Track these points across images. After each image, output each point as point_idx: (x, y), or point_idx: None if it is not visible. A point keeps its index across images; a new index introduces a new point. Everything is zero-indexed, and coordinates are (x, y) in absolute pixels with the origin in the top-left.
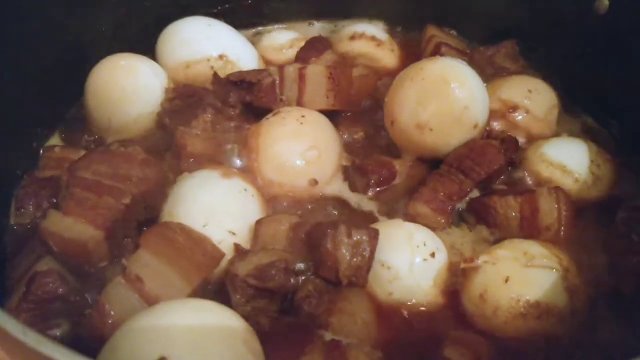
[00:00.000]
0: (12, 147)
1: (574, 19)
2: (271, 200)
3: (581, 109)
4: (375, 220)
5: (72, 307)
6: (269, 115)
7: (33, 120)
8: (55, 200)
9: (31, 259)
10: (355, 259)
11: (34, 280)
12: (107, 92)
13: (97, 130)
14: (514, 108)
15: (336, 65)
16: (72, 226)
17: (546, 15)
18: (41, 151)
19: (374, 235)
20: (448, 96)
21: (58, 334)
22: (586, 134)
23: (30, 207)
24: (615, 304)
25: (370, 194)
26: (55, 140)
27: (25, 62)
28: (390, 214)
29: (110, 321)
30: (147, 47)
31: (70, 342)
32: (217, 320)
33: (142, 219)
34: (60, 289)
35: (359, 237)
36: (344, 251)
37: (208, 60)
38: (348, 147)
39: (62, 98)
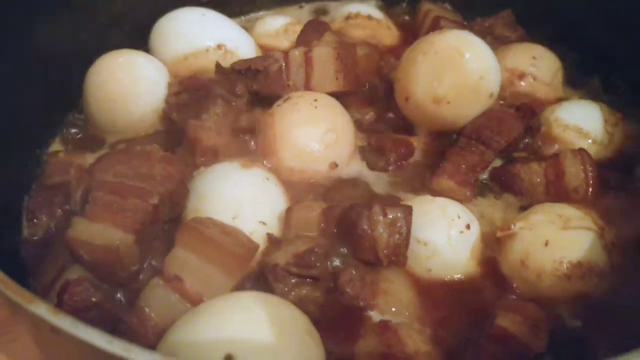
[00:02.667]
0: (14, 157)
1: None
2: (292, 187)
3: (585, 72)
4: (401, 198)
5: (108, 315)
6: (280, 102)
7: (33, 127)
8: (68, 207)
9: (56, 269)
10: (392, 238)
11: (66, 290)
12: (109, 92)
13: (100, 131)
14: (521, 75)
15: (342, 46)
16: (101, 232)
17: None
18: (44, 158)
19: (409, 212)
20: (463, 67)
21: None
22: (594, 95)
23: (44, 216)
24: None
25: (390, 171)
26: (57, 145)
27: (20, 69)
28: (415, 191)
29: (152, 324)
30: (140, 42)
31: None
32: (276, 312)
33: (166, 218)
34: (94, 297)
35: (394, 215)
36: (381, 231)
37: (207, 51)
38: (360, 128)
39: (61, 101)
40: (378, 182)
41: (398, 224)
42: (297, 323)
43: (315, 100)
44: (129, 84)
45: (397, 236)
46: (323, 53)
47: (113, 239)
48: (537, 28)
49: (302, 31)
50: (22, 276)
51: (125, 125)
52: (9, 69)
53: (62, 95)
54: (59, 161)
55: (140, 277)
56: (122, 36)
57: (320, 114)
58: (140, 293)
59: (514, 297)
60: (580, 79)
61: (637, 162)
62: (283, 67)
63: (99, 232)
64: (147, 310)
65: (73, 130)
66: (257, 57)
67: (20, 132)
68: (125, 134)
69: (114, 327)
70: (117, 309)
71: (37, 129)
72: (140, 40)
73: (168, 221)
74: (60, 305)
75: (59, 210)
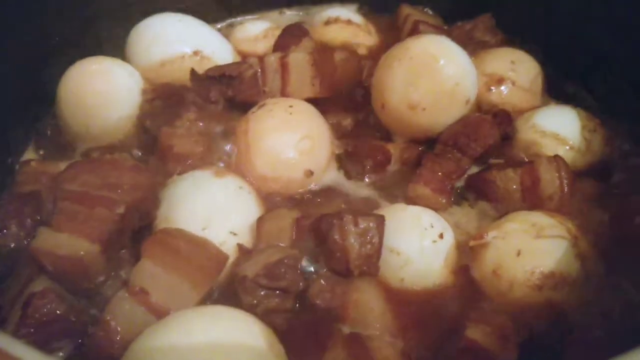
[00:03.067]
0: None
1: None
2: (266, 196)
3: (564, 77)
4: (376, 206)
5: (74, 327)
6: (255, 109)
7: (5, 134)
8: (39, 217)
9: (22, 281)
10: (364, 248)
11: (30, 303)
12: (82, 99)
13: (73, 139)
14: (500, 80)
15: (318, 51)
16: (66, 242)
17: None
18: (17, 167)
19: (381, 222)
20: (438, 73)
21: (62, 355)
22: (573, 101)
23: (13, 226)
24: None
25: (366, 180)
26: (30, 154)
27: None
28: (391, 199)
29: (117, 338)
30: (115, 49)
31: None
32: (237, 326)
33: (136, 227)
34: (59, 309)
35: (365, 224)
36: (352, 241)
37: (183, 57)
38: (337, 134)
39: (33, 108)
40: (354, 189)
41: (370, 234)
42: (259, 338)
43: (291, 106)
44: (103, 91)
45: (368, 246)
46: (299, 59)
47: (78, 249)
48: (517, 33)
49: (279, 36)
50: None
51: (99, 132)
52: None
53: (35, 102)
54: (31, 170)
55: (108, 287)
56: (98, 42)
57: (296, 121)
58: (107, 305)
59: (487, 307)
60: (559, 85)
61: (614, 169)
62: (259, 73)
63: (63, 242)
64: (112, 323)
65: (46, 138)
66: (232, 63)
67: None
68: (99, 141)
69: (80, 339)
70: (84, 321)
71: (9, 136)
72: (116, 46)
73: (138, 230)
74: (24, 318)
75: (29, 220)
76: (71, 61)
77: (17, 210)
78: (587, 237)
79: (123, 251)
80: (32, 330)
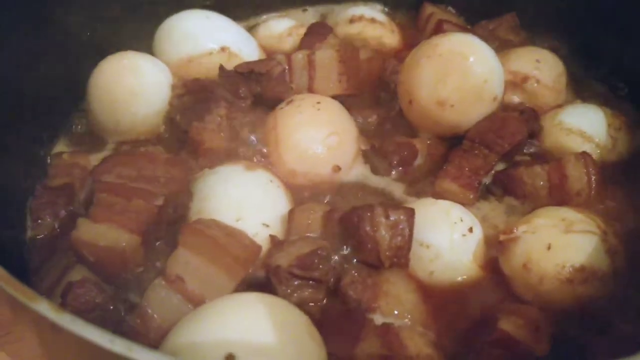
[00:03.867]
0: (18, 157)
1: None
2: (295, 190)
3: (589, 76)
4: (403, 201)
5: (111, 316)
6: (283, 105)
7: (37, 127)
8: (72, 209)
9: (59, 270)
10: (395, 240)
11: (69, 291)
12: (112, 93)
13: (103, 133)
14: (525, 79)
15: (345, 49)
16: (106, 233)
17: None
18: (48, 159)
19: (411, 214)
20: (467, 71)
21: None
22: (598, 100)
23: (48, 217)
24: None
25: (393, 175)
26: (61, 146)
27: (24, 68)
28: (418, 194)
29: (154, 325)
30: (143, 45)
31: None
32: (277, 312)
33: (171, 219)
34: (97, 298)
35: (396, 217)
36: (383, 232)
37: (210, 53)
38: (363, 131)
39: (64, 102)
40: (381, 184)
41: (400, 226)
42: (299, 324)
43: (318, 102)
44: (133, 86)
45: (399, 238)
46: (326, 56)
47: (120, 241)
48: (540, 32)
49: (305, 34)
50: (25, 276)
51: (128, 127)
52: (13, 67)
53: (66, 97)
54: (63, 162)
55: (144, 278)
56: (126, 38)
57: (323, 117)
58: (143, 294)
59: (516, 300)
60: (584, 83)
61: None
62: (286, 70)
63: (103, 233)
64: (149, 311)
65: (77, 132)
66: (260, 60)
67: (24, 132)
68: (128, 135)
69: (116, 328)
70: (120, 310)
71: (41, 129)
72: (144, 42)
73: (172, 223)
74: (63, 306)
75: (63, 211)
76: (101, 56)
77: (50, 202)
78: (616, 233)
79: (159, 243)
80: None
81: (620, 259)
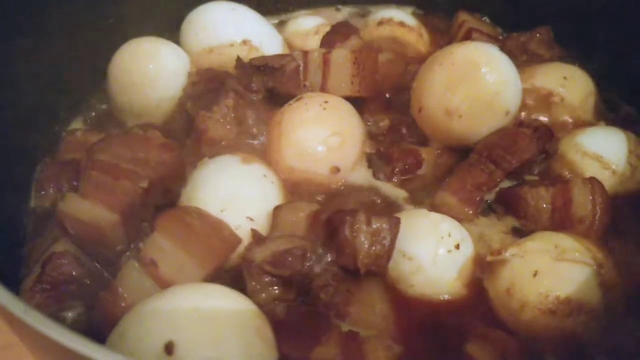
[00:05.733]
0: (33, 129)
1: (613, 3)
2: (292, 188)
3: (621, 98)
4: (400, 209)
5: (87, 290)
6: (292, 101)
7: (55, 103)
8: (75, 184)
9: (49, 241)
10: (374, 247)
11: (49, 261)
12: (130, 76)
13: (119, 114)
14: (548, 95)
15: (361, 50)
16: (89, 209)
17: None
18: (64, 135)
19: (395, 224)
20: (479, 81)
21: (71, 315)
22: (626, 123)
23: (51, 189)
24: None
25: (395, 181)
26: (77, 124)
27: (49, 45)
28: (416, 204)
29: (123, 304)
30: (172, 33)
31: (85, 325)
32: (228, 305)
33: (160, 203)
34: (75, 271)
35: (378, 225)
36: (362, 239)
37: (231, 45)
38: (373, 135)
39: (86, 82)
40: (382, 189)
41: (381, 235)
42: (248, 322)
43: (326, 102)
44: (150, 70)
45: (378, 246)
46: (341, 56)
47: (99, 217)
48: (576, 49)
49: (327, 32)
50: (20, 244)
51: (142, 110)
52: (38, 42)
53: (89, 76)
54: (76, 139)
55: (126, 257)
56: (154, 25)
57: (328, 116)
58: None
59: (498, 326)
60: (616, 107)
61: None
62: (301, 67)
63: (87, 209)
64: (120, 290)
65: (94, 111)
66: (275, 55)
67: (43, 107)
68: (142, 118)
69: (90, 302)
70: (97, 285)
71: (60, 106)
72: (173, 30)
73: (162, 207)
74: (42, 274)
75: (66, 185)
76: (127, 40)
77: (55, 175)
78: (615, 267)
79: (144, 224)
80: (47, 286)
81: (614, 295)
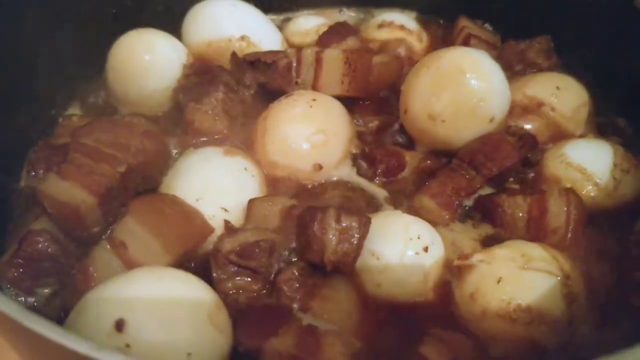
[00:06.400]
0: (29, 112)
1: (613, 14)
2: (274, 183)
3: (617, 111)
4: (379, 208)
5: (62, 268)
6: (282, 98)
7: (53, 87)
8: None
9: (31, 219)
10: (342, 245)
11: (26, 238)
12: (126, 66)
13: (115, 103)
14: (539, 105)
15: (354, 51)
16: (67, 190)
17: (584, 10)
18: (60, 119)
19: (365, 223)
20: (463, 87)
21: (45, 292)
22: (619, 137)
23: (41, 171)
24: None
25: (376, 181)
26: (74, 110)
27: (51, 31)
28: (396, 205)
29: (92, 284)
30: (174, 25)
31: (58, 302)
32: (184, 291)
33: (140, 189)
34: (50, 249)
35: (348, 223)
36: (330, 236)
37: (230, 40)
38: (361, 136)
39: (86, 69)
40: (362, 190)
41: (350, 232)
42: (202, 306)
43: (314, 100)
44: (145, 61)
45: (346, 244)
46: (333, 55)
47: (76, 198)
48: (576, 59)
49: (325, 32)
50: (7, 222)
51: (137, 99)
52: (40, 28)
53: (89, 64)
54: (71, 124)
55: (99, 238)
56: (157, 17)
57: (314, 114)
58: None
59: (462, 330)
60: (610, 120)
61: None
62: (294, 64)
63: (65, 189)
64: (91, 269)
65: (92, 98)
66: (268, 51)
67: (41, 91)
68: (136, 107)
69: (62, 279)
70: (71, 264)
71: (57, 90)
72: (176, 24)
73: (142, 193)
74: (18, 250)
75: (55, 168)
76: (126, 31)
77: (47, 158)
78: (586, 280)
79: (123, 208)
80: (22, 262)
81: (580, 307)
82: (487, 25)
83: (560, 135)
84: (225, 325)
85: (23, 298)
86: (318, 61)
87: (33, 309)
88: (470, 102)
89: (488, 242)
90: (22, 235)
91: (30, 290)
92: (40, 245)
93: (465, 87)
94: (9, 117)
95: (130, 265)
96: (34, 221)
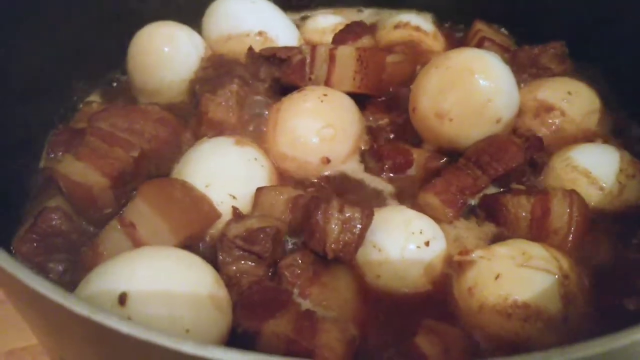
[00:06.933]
0: (52, 97)
1: (630, 21)
2: (284, 174)
3: (631, 118)
4: (384, 203)
5: (73, 245)
6: (294, 92)
7: (77, 74)
8: None
9: (47, 198)
10: (344, 235)
11: (41, 214)
12: (145, 57)
13: (135, 92)
14: (549, 109)
15: (367, 49)
16: (81, 171)
17: (600, 16)
18: (81, 106)
19: (368, 215)
20: (471, 86)
21: (57, 266)
22: (630, 142)
23: (60, 153)
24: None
25: (383, 176)
26: (95, 97)
27: (75, 19)
28: (401, 201)
29: (101, 261)
30: (196, 20)
31: (69, 276)
32: (187, 269)
33: (153, 175)
34: (64, 226)
35: (350, 213)
36: (333, 225)
37: (247, 35)
38: (372, 132)
39: (109, 59)
40: (370, 184)
41: (352, 223)
42: (203, 287)
43: (325, 95)
44: (165, 53)
45: (348, 234)
46: (346, 52)
47: (89, 179)
48: (590, 65)
49: (341, 30)
50: (26, 199)
51: (155, 89)
52: (67, 16)
53: (112, 54)
54: (91, 110)
55: (110, 219)
56: (179, 12)
57: (325, 109)
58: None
59: (454, 323)
60: (623, 126)
61: None
62: (307, 60)
63: (79, 170)
64: (100, 247)
65: (114, 87)
66: (284, 47)
67: (64, 77)
68: (154, 97)
69: (72, 256)
70: (83, 242)
71: (81, 78)
72: (198, 18)
73: (152, 177)
74: (34, 226)
75: (74, 151)
76: (147, 23)
77: (66, 141)
78: (581, 281)
79: (134, 192)
80: (36, 237)
81: (576, 308)
82: (503, 29)
83: (569, 140)
84: (226, 306)
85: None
86: (331, 58)
87: None
88: (478, 102)
89: (491, 241)
90: (38, 211)
91: (42, 265)
92: (54, 222)
93: (474, 87)
94: (33, 103)
95: (138, 244)
96: (49, 200)
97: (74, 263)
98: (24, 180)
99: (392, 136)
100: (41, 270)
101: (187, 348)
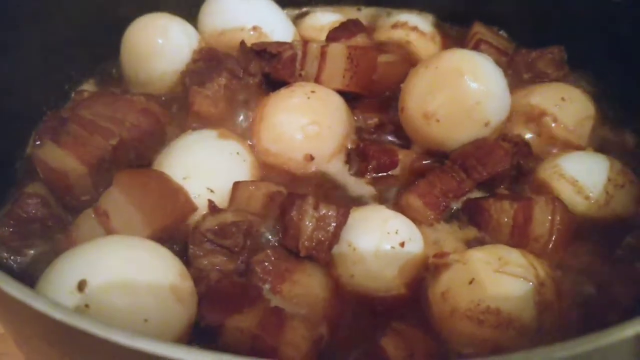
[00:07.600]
0: (44, 85)
1: (629, 29)
2: (266, 170)
3: (626, 126)
4: (364, 205)
5: (49, 231)
6: (283, 88)
7: (69, 63)
8: None
9: (27, 183)
10: (318, 232)
11: (18, 200)
12: (138, 47)
13: (127, 83)
14: (541, 114)
15: (358, 47)
16: (60, 157)
17: (600, 22)
18: (72, 94)
19: (344, 213)
20: (459, 88)
21: (33, 252)
22: (623, 152)
23: (47, 141)
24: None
25: (367, 177)
26: (88, 86)
27: (70, 7)
28: (382, 201)
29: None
30: (192, 13)
31: (44, 263)
32: (150, 259)
33: (133, 164)
34: (40, 212)
35: (325, 211)
36: (307, 222)
37: (242, 30)
38: (359, 132)
39: (103, 48)
40: (352, 184)
41: (327, 221)
42: (166, 278)
43: (313, 92)
44: (156, 45)
45: (322, 232)
46: (337, 50)
47: (67, 166)
48: (586, 71)
49: (335, 28)
50: (10, 185)
51: (146, 80)
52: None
53: (106, 44)
54: (82, 99)
55: (87, 206)
56: (177, 4)
57: (311, 106)
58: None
59: (425, 328)
60: (618, 134)
61: (630, 232)
62: (298, 56)
63: (58, 156)
64: (74, 234)
65: (105, 76)
66: (275, 42)
67: (57, 65)
68: (146, 88)
69: (47, 242)
70: (59, 228)
71: (73, 67)
72: (193, 11)
73: (132, 167)
74: (11, 211)
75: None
76: (143, 14)
77: (53, 128)
78: (558, 290)
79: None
80: (13, 222)
81: (551, 317)
82: (502, 32)
83: (560, 147)
84: (189, 298)
85: (12, 257)
86: (322, 55)
87: (19, 268)
88: (466, 103)
89: (471, 245)
90: (16, 196)
91: (18, 250)
92: (30, 208)
93: (462, 88)
94: (24, 90)
95: (110, 233)
96: (29, 185)
97: (49, 249)
98: (11, 165)
99: (376, 136)
100: (17, 254)
101: (141, 344)
